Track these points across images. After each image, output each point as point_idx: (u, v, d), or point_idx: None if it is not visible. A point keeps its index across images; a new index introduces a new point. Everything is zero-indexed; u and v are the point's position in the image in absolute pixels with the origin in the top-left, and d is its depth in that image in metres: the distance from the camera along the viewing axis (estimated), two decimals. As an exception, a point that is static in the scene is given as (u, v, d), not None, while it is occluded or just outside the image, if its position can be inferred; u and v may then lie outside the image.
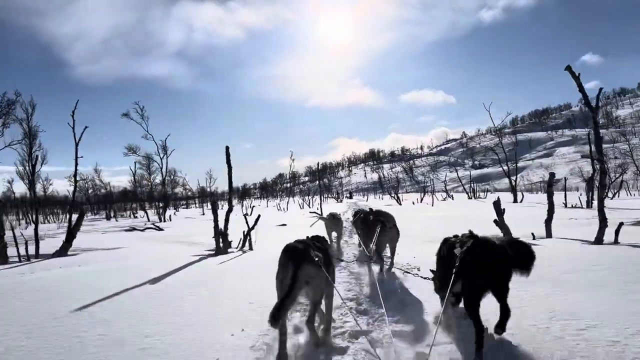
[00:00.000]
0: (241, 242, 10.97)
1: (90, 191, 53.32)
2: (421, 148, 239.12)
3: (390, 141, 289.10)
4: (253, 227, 10.96)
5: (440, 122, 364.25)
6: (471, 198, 38.46)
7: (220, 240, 10.28)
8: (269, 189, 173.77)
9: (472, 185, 42.28)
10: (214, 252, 10.07)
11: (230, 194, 12.03)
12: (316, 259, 3.78)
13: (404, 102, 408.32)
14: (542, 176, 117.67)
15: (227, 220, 11.06)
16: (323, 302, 4.00)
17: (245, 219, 11.26)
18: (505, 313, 3.53)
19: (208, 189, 63.02)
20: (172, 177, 62.56)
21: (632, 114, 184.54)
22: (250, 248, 10.67)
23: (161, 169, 38.41)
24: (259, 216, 11.31)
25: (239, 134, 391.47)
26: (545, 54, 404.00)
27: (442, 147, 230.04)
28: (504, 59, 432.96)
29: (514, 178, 35.03)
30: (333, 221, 9.60)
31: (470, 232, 3.92)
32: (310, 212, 24.88)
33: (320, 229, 9.19)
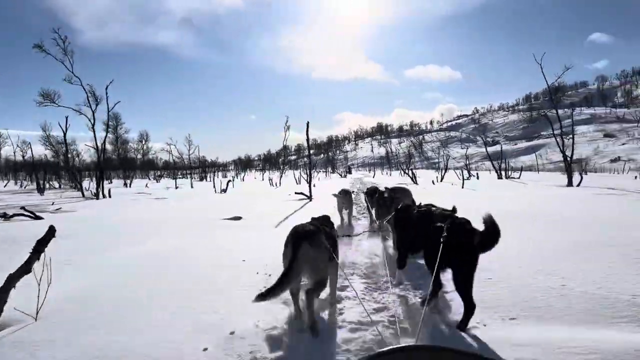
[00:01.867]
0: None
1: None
2: (430, 123, 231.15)
3: (396, 117, 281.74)
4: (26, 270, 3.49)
5: (446, 99, 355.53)
6: (501, 178, 31.67)
7: None
8: (272, 161, 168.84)
9: (502, 162, 35.18)
10: None
11: None
12: (323, 243, 3.77)
13: (409, 78, 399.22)
14: (561, 155, 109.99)
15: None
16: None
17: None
18: (469, 307, 3.50)
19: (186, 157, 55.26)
20: (143, 142, 55.40)
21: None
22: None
23: (93, 125, 26.14)
24: (50, 231, 3.67)
25: (244, 105, 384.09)
26: (553, 32, 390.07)
27: (453, 122, 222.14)
28: (512, 36, 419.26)
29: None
30: (345, 197, 9.20)
31: (454, 207, 4.22)
32: (296, 193, 18.22)
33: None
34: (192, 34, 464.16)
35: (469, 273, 3.46)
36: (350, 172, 70.56)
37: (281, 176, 40.04)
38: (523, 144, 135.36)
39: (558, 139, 23.91)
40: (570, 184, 21.86)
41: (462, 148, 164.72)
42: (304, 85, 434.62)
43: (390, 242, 6.46)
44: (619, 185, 20.63)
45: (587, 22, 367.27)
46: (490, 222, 3.31)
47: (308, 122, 16.42)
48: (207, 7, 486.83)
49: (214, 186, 29.66)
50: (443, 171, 34.42)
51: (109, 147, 47.74)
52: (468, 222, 3.64)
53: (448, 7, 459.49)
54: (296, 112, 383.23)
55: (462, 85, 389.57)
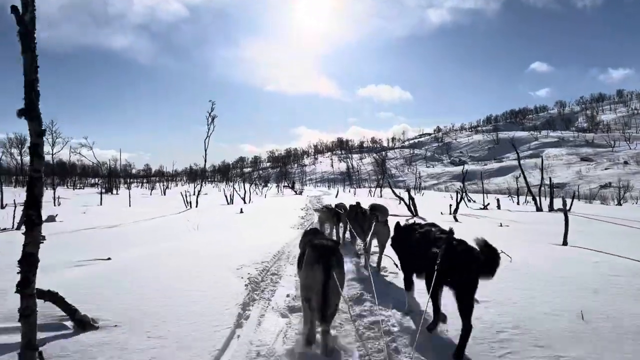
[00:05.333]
0: None
1: None
2: (392, 140, 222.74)
3: (352, 134, 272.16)
4: None
5: (399, 119, 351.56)
6: (540, 209, 20.06)
7: None
8: (226, 172, 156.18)
9: (542, 183, 23.32)
10: None
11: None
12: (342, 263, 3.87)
13: (362, 96, 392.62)
14: (540, 178, 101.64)
15: None
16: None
17: None
18: (466, 330, 3.52)
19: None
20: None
21: (615, 120, 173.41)
22: None
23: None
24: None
25: (200, 115, 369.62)
26: (495, 60, 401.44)
27: (415, 140, 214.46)
28: (462, 61, 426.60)
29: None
30: (328, 214, 9.33)
31: (451, 229, 4.01)
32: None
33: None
34: (148, 40, 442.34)
35: (468, 293, 3.53)
36: (293, 188, 58.16)
37: (199, 192, 26.85)
38: (494, 165, 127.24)
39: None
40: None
41: (427, 166, 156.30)
42: (258, 97, 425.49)
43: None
44: None
45: (528, 51, 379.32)
46: (486, 246, 3.47)
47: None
48: (163, 14, 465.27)
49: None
50: (460, 194, 20.76)
51: None
52: (464, 242, 3.74)
53: (405, 29, 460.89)
54: (252, 124, 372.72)
55: (413, 106, 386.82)
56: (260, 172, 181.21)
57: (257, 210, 19.59)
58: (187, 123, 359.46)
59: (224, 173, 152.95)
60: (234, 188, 32.65)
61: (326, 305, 3.32)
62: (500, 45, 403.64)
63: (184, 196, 26.02)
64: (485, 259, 3.38)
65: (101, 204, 27.06)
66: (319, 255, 3.55)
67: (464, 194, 19.75)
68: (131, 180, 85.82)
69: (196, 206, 24.97)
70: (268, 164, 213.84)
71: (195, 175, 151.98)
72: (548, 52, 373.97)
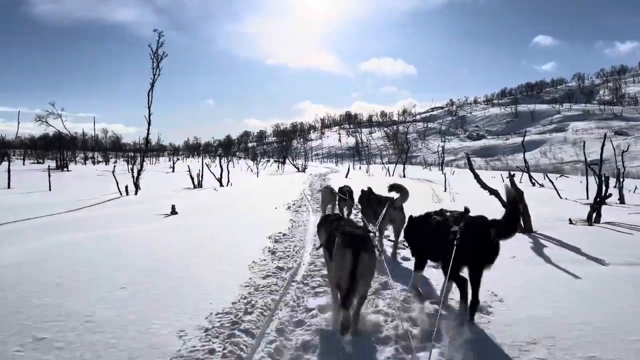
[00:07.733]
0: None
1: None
2: (403, 113, 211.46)
3: (357, 109, 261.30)
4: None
5: (402, 93, 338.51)
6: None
7: None
8: (229, 147, 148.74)
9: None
10: None
11: None
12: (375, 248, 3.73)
13: (364, 71, 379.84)
14: (574, 154, 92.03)
15: None
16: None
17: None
18: (475, 299, 3.51)
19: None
20: None
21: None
22: None
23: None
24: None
25: (203, 89, 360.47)
26: (500, 34, 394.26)
27: (428, 114, 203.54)
28: (465, 36, 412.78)
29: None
30: (332, 195, 8.59)
31: (466, 208, 3.95)
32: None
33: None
34: (152, 13, 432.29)
35: (485, 267, 3.47)
36: (284, 163, 50.95)
37: (139, 173, 17.59)
38: (516, 139, 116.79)
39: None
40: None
41: (442, 141, 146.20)
42: (260, 71, 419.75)
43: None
44: None
45: (531, 24, 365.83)
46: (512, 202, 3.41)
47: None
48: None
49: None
50: (602, 180, 10.83)
51: None
52: (483, 217, 3.60)
53: (410, 4, 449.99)
54: (256, 98, 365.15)
55: (416, 80, 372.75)
56: (265, 146, 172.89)
57: (207, 210, 10.92)
58: (190, 97, 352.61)
59: (226, 148, 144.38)
60: (205, 164, 24.08)
61: (353, 287, 3.23)
62: (505, 19, 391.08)
63: (132, 177, 17.53)
64: (505, 223, 3.28)
65: (8, 187, 18.76)
66: (349, 240, 3.43)
67: (600, 176, 10.64)
68: (117, 154, 78.38)
69: (135, 193, 16.45)
70: (273, 139, 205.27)
71: (196, 149, 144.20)
72: (552, 26, 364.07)
